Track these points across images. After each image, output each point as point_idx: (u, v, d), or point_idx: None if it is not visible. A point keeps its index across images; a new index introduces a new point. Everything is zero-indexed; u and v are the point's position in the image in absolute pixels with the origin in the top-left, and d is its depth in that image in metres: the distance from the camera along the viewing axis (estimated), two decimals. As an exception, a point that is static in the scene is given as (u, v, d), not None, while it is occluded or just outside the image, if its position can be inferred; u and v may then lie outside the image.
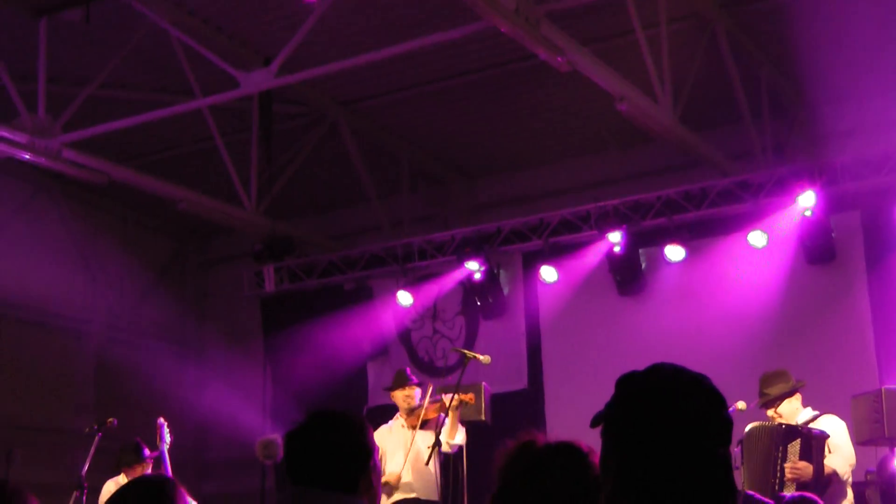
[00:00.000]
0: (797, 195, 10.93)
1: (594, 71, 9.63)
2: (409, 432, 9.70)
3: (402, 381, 9.98)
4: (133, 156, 12.71)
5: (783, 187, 11.12)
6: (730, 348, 11.04)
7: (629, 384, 2.36)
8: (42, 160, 10.68)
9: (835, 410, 8.55)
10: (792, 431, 8.26)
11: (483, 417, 9.99)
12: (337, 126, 12.59)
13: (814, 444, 8.15)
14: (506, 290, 13.08)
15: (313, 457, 3.43)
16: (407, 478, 9.59)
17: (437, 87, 11.94)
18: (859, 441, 8.74)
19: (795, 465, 8.09)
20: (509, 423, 9.22)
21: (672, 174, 12.38)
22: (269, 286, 13.74)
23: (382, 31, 10.37)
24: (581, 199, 12.49)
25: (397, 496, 9.55)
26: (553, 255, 12.44)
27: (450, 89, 11.99)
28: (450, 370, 12.22)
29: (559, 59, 9.12)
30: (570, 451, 3.04)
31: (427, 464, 9.28)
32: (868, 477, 9.29)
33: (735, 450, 8.13)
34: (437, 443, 9.17)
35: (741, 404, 8.29)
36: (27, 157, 10.64)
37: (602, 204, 12.07)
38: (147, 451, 9.77)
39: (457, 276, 12.95)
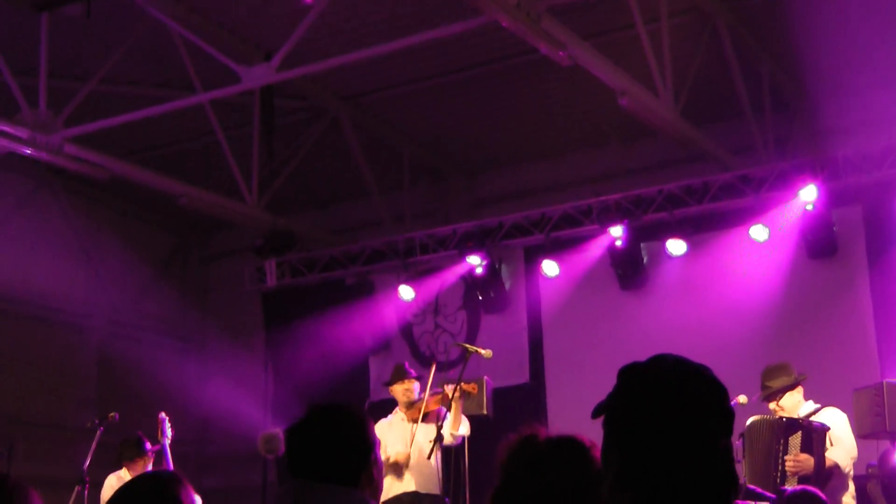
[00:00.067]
0: (799, 189, 10.94)
1: (595, 65, 9.63)
2: (409, 425, 9.69)
3: (400, 375, 9.97)
4: (134, 151, 12.71)
5: (785, 181, 11.12)
6: (731, 342, 11.03)
7: (631, 374, 2.36)
8: (43, 155, 10.69)
9: (836, 404, 8.55)
10: (793, 424, 8.25)
11: (485, 411, 9.98)
12: (338, 121, 12.59)
13: (815, 436, 8.15)
14: (507, 285, 13.08)
15: (314, 451, 3.43)
16: (407, 471, 9.59)
17: (438, 82, 11.94)
18: (861, 434, 8.74)
19: (797, 458, 8.09)
20: (511, 417, 9.23)
21: (673, 168, 12.38)
22: (271, 281, 13.73)
23: (384, 25, 10.37)
24: (582, 194, 12.49)
25: (397, 490, 9.55)
26: (554, 249, 12.45)
27: (451, 84, 11.98)
28: (451, 364, 12.22)
29: (560, 53, 9.11)
30: (571, 445, 3.04)
31: (429, 458, 9.27)
32: (869, 470, 9.29)
33: (736, 443, 8.14)
34: (439, 437, 9.16)
35: (742, 398, 8.28)
36: (28, 152, 10.64)
37: (603, 198, 12.07)
38: (149, 446, 9.77)
39: (458, 270, 12.95)
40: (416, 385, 9.92)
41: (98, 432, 9.76)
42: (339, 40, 10.54)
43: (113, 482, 9.81)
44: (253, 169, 12.40)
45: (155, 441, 9.59)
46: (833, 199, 11.00)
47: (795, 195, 11.00)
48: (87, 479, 9.48)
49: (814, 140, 11.99)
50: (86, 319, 14.42)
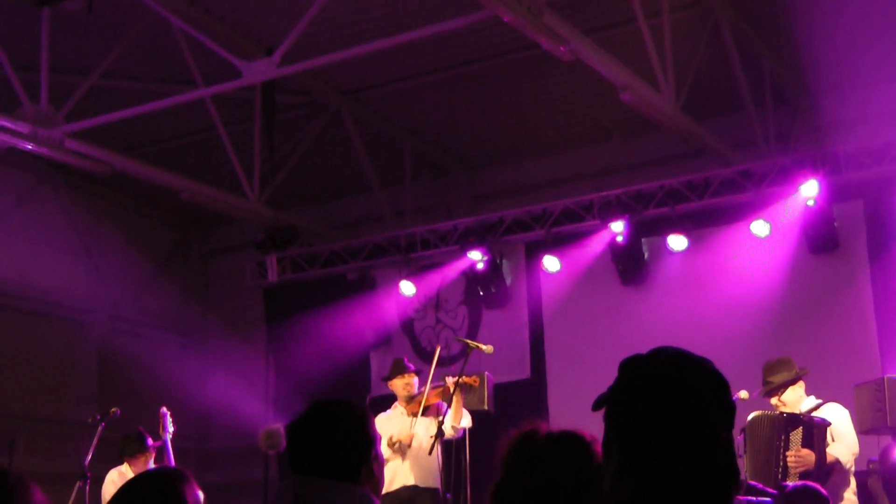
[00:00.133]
0: (800, 184, 10.93)
1: (597, 60, 9.62)
2: (409, 419, 9.70)
3: (399, 370, 9.99)
4: (135, 146, 12.71)
5: (786, 176, 11.12)
6: (732, 338, 11.03)
7: (632, 367, 2.36)
8: (44, 150, 10.68)
9: (837, 399, 8.55)
10: (794, 420, 8.26)
11: (486, 407, 9.99)
12: (339, 116, 12.58)
13: (816, 432, 8.15)
14: (508, 280, 13.08)
15: (315, 446, 3.43)
16: (406, 465, 9.59)
17: (439, 77, 11.93)
18: (862, 430, 8.74)
19: (798, 454, 8.09)
20: (512, 412, 9.25)
21: (675, 163, 12.38)
22: (272, 276, 13.74)
23: (385, 20, 10.35)
24: (584, 189, 12.48)
25: (397, 484, 9.55)
26: (556, 244, 12.45)
27: (452, 79, 11.97)
28: (452, 360, 12.23)
29: (562, 48, 9.10)
30: (572, 441, 3.04)
31: (430, 453, 9.26)
32: (870, 466, 9.30)
33: (737, 438, 8.14)
34: (440, 432, 9.16)
35: (743, 393, 8.28)
36: (29, 147, 10.63)
37: (605, 193, 12.07)
38: (150, 441, 9.77)
39: (459, 265, 12.96)
40: (415, 379, 9.93)
41: (99, 427, 9.76)
42: (341, 35, 10.53)
43: (114, 477, 9.82)
44: (254, 164, 12.39)
45: (156, 436, 9.59)
46: (834, 194, 11.00)
47: (796, 190, 11.00)
48: (89, 474, 9.47)
49: (815, 135, 11.99)
50: (87, 315, 14.42)
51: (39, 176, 13.72)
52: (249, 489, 13.03)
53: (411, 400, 9.78)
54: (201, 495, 3.24)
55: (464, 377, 9.35)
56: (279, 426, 9.44)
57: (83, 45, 10.94)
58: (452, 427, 9.31)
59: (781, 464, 8.16)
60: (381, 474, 3.56)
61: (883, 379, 9.01)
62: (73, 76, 11.00)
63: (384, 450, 9.29)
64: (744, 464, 8.26)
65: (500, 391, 10.58)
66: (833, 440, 8.23)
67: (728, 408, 2.33)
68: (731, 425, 2.32)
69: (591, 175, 13.08)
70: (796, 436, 8.18)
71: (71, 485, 9.52)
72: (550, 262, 12.45)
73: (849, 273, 11.29)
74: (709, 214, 11.77)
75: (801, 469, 8.05)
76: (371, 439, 3.49)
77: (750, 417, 8.44)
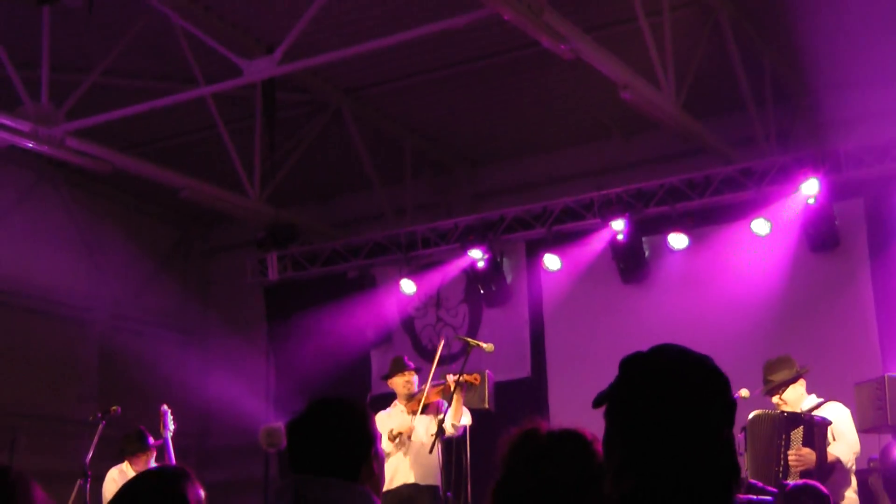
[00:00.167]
0: (800, 183, 10.93)
1: (597, 58, 9.61)
2: (409, 417, 9.69)
3: (399, 368, 9.99)
4: (136, 144, 12.70)
5: (786, 175, 11.12)
6: (733, 336, 11.02)
7: (633, 364, 2.36)
8: (45, 148, 10.67)
9: (838, 398, 8.55)
10: (794, 419, 8.25)
11: (486, 405, 9.98)
12: (340, 114, 12.58)
13: (816, 431, 8.15)
14: (509, 279, 13.08)
15: (315, 445, 3.43)
16: (407, 463, 9.59)
17: (440, 75, 11.93)
18: (862, 429, 8.74)
19: (799, 453, 8.09)
20: (512, 411, 9.23)
21: (675, 162, 12.37)
22: (273, 274, 13.73)
23: (386, 18, 10.35)
24: (584, 187, 12.48)
25: (398, 482, 9.55)
26: (556, 242, 12.44)
27: (453, 77, 11.97)
28: (453, 358, 12.22)
29: (562, 46, 9.10)
30: (573, 439, 3.03)
31: (431, 452, 9.26)
32: (871, 464, 9.29)
33: (738, 437, 8.14)
34: (440, 431, 9.16)
35: (744, 392, 8.28)
36: (30, 145, 10.63)
37: (605, 192, 12.06)
38: (151, 439, 9.77)
39: (460, 264, 12.96)
40: (415, 377, 9.93)
41: (100, 426, 9.75)
42: (341, 33, 10.53)
43: (115, 476, 9.81)
44: (255, 162, 12.39)
45: (157, 434, 9.58)
46: (835, 192, 11.00)
47: (797, 189, 11.00)
48: (89, 472, 9.47)
49: (816, 133, 11.99)
50: (87, 313, 14.42)
51: (40, 174, 13.72)
52: (250, 487, 13.05)
53: (411, 398, 9.78)
54: (203, 494, 3.23)
55: (464, 375, 9.35)
56: (279, 424, 9.47)
57: (84, 43, 10.94)
58: (453, 425, 9.30)
59: (782, 462, 8.16)
60: (382, 473, 3.56)
61: (883, 377, 9.00)
62: (73, 74, 10.99)
63: (385, 444, 9.30)
64: (744, 462, 8.26)
65: (500, 389, 10.57)
66: (834, 439, 8.23)
67: (729, 405, 2.33)
68: (731, 423, 2.32)
69: (591, 173, 13.08)
70: (797, 435, 8.18)
71: (72, 483, 9.52)
72: (551, 261, 12.45)
73: (849, 271, 11.30)
74: (709, 213, 11.77)
75: (802, 468, 8.05)
76: (371, 438, 3.49)
77: (751, 416, 8.44)
